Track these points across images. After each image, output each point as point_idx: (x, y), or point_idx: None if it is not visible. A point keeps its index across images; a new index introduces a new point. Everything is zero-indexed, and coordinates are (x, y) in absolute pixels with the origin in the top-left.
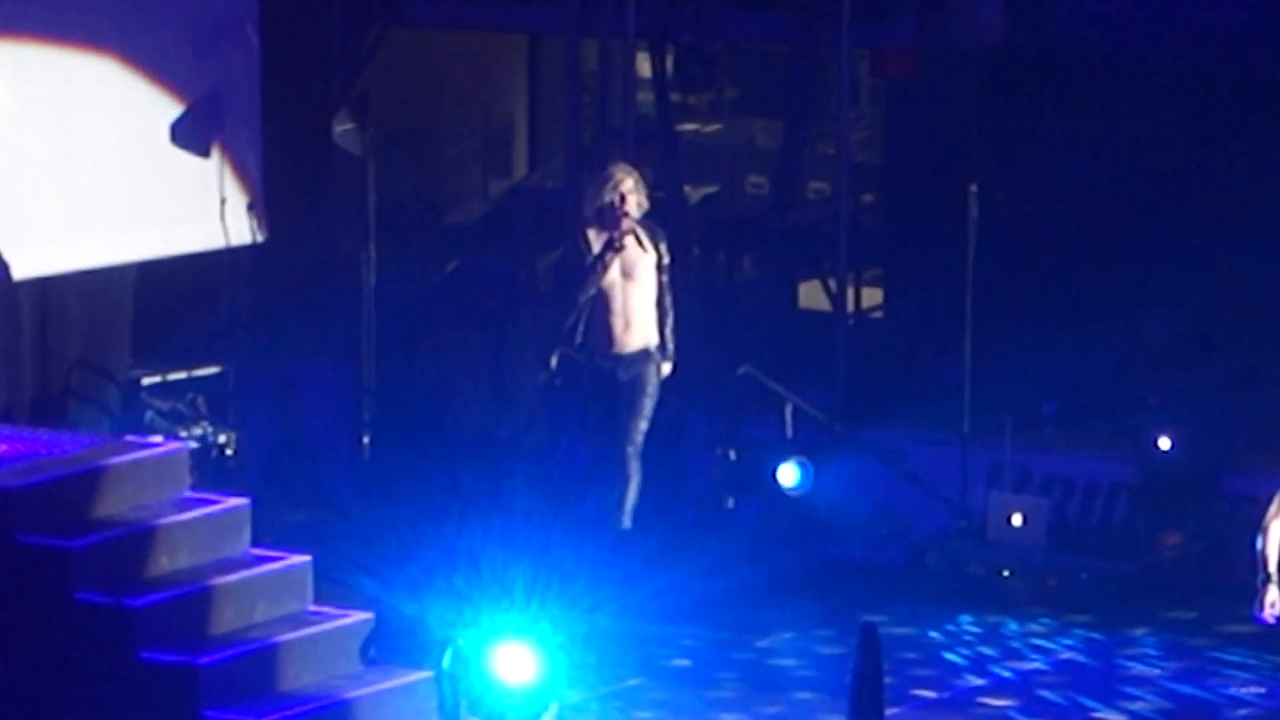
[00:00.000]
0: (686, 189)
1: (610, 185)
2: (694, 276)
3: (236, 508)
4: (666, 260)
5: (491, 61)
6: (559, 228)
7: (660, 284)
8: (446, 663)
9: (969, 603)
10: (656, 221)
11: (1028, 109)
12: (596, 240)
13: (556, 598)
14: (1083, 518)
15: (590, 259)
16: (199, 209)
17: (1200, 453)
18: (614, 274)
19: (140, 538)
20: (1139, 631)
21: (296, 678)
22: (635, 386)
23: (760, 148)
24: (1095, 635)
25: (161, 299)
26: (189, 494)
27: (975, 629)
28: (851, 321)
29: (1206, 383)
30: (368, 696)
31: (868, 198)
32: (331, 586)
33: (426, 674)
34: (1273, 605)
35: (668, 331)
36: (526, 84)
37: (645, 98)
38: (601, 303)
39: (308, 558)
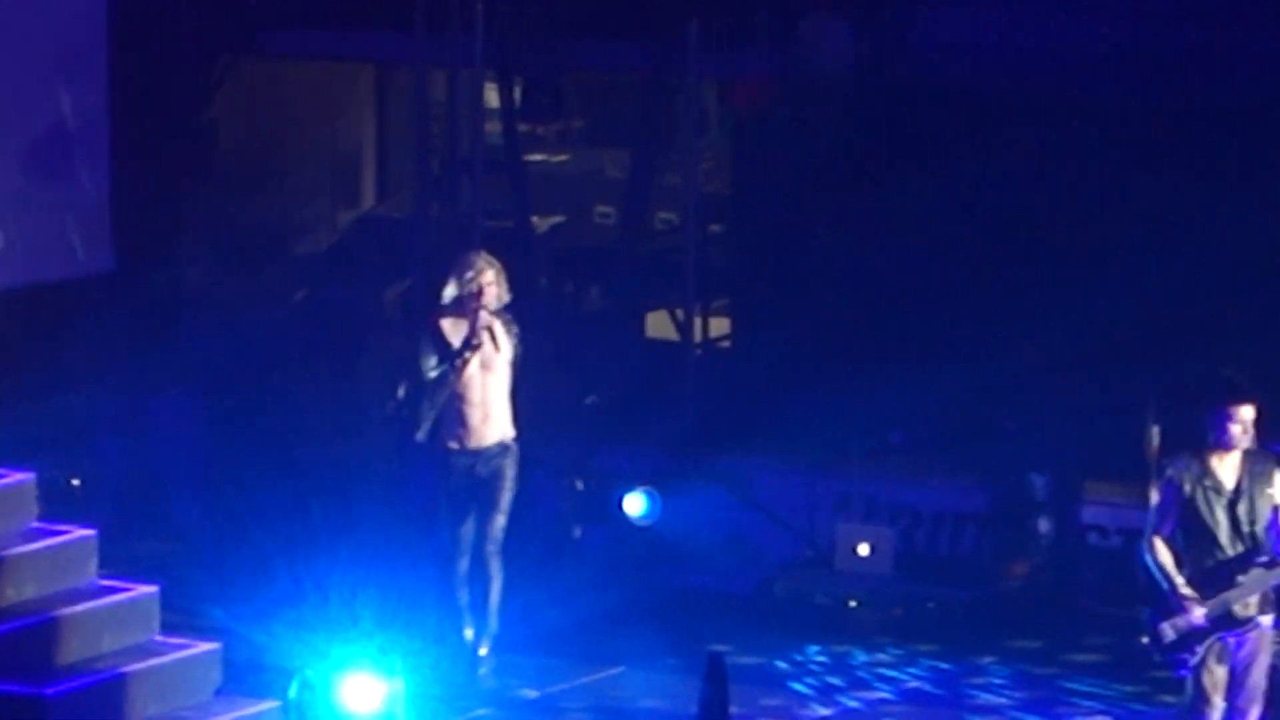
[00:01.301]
0: (534, 219)
1: (470, 277)
2: (541, 307)
3: (83, 538)
4: (517, 354)
5: (340, 91)
6: (407, 257)
7: (514, 370)
8: (294, 693)
9: (816, 632)
10: (504, 254)
11: (878, 137)
12: (452, 331)
13: (404, 628)
14: (930, 547)
15: (449, 356)
16: (48, 239)
17: (1045, 482)
18: (472, 367)
19: None
20: (986, 660)
21: (144, 708)
22: (495, 482)
23: (608, 178)
24: (943, 664)
25: (10, 329)
26: (35, 524)
27: (822, 659)
28: (699, 351)
29: (1051, 412)
30: None
31: (715, 228)
32: (179, 617)
33: (274, 704)
34: (1190, 601)
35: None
36: (375, 114)
37: (493, 128)
38: (459, 396)
39: (155, 588)
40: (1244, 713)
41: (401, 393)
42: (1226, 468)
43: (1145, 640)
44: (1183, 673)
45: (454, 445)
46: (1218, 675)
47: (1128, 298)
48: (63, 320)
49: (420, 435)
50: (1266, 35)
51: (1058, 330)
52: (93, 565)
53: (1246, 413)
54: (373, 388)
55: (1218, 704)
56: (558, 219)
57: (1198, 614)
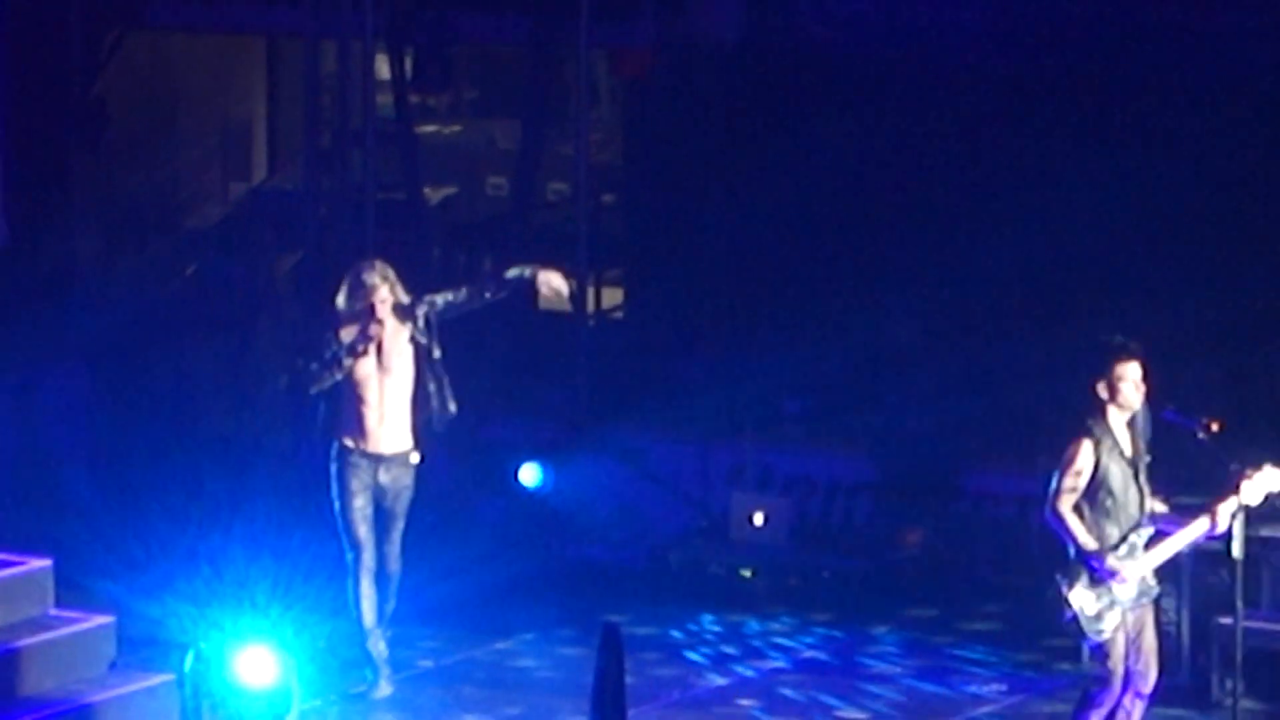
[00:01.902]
0: (426, 190)
1: (363, 294)
2: (434, 278)
3: None
4: (423, 334)
5: (230, 64)
6: (299, 230)
7: (419, 365)
8: (188, 666)
9: (711, 602)
10: (395, 225)
11: (767, 108)
12: (347, 338)
13: (298, 601)
14: (824, 516)
15: (330, 353)
16: None
17: (939, 451)
18: (368, 368)
19: None
20: (880, 630)
21: (38, 682)
22: (395, 495)
23: (500, 149)
24: (837, 633)
25: None
26: None
27: (717, 628)
28: (592, 322)
29: (943, 382)
30: (110, 700)
31: (608, 198)
32: (73, 591)
33: (169, 677)
34: (1120, 570)
35: (448, 402)
36: (265, 86)
37: (384, 99)
38: (355, 397)
39: (48, 562)
40: (1144, 676)
41: (283, 383)
42: (1125, 434)
43: (1068, 613)
44: (1095, 646)
45: (349, 443)
46: (1120, 642)
47: (1014, 266)
48: None
49: (333, 445)
50: (1146, 6)
51: (952, 299)
52: None
53: (1139, 371)
54: (265, 360)
55: (1119, 674)
56: (449, 190)
57: (1122, 582)
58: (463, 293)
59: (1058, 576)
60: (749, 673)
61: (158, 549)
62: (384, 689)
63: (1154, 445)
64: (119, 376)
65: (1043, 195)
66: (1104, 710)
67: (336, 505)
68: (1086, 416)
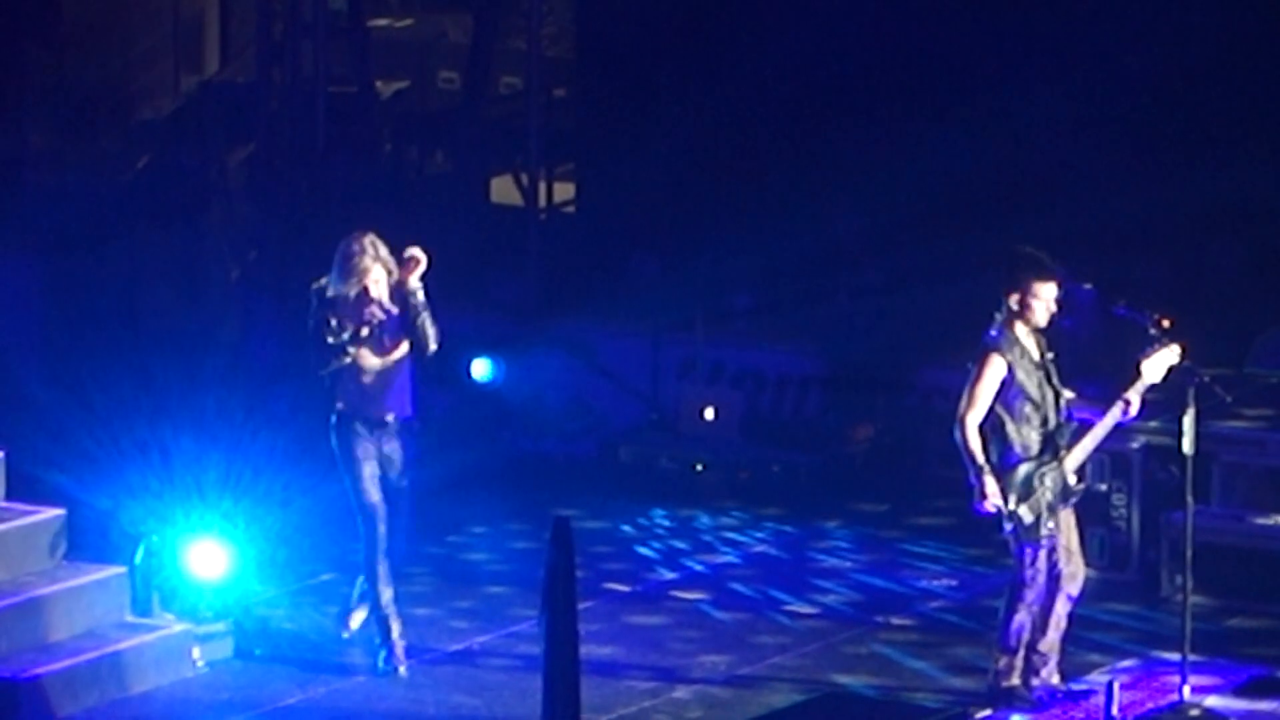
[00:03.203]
0: (378, 84)
1: (355, 279)
2: (385, 172)
3: None
4: (413, 285)
5: None
6: (250, 123)
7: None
8: (139, 558)
9: (661, 496)
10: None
11: (719, 1)
12: (345, 319)
13: (248, 494)
14: (774, 411)
15: (335, 341)
16: None
17: (889, 346)
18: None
19: None
20: (830, 524)
21: None
22: (400, 466)
23: (451, 42)
24: (787, 528)
25: None
26: None
27: (667, 522)
28: (544, 216)
29: (895, 276)
30: (61, 591)
31: (559, 92)
32: (23, 483)
33: (120, 569)
34: (993, 494)
35: (430, 340)
36: None
37: None
38: (355, 367)
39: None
40: (1074, 578)
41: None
42: (1031, 340)
43: (1009, 527)
44: (1034, 549)
45: (349, 412)
46: (1051, 546)
47: (964, 161)
48: None
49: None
50: None
51: (903, 195)
52: None
53: (1054, 291)
54: (215, 253)
55: (1043, 573)
56: (401, 84)
57: (988, 505)
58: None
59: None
60: (699, 567)
61: (108, 441)
62: (401, 670)
63: (1106, 341)
64: (69, 268)
65: (992, 91)
66: (1035, 608)
67: (346, 476)
68: (994, 327)
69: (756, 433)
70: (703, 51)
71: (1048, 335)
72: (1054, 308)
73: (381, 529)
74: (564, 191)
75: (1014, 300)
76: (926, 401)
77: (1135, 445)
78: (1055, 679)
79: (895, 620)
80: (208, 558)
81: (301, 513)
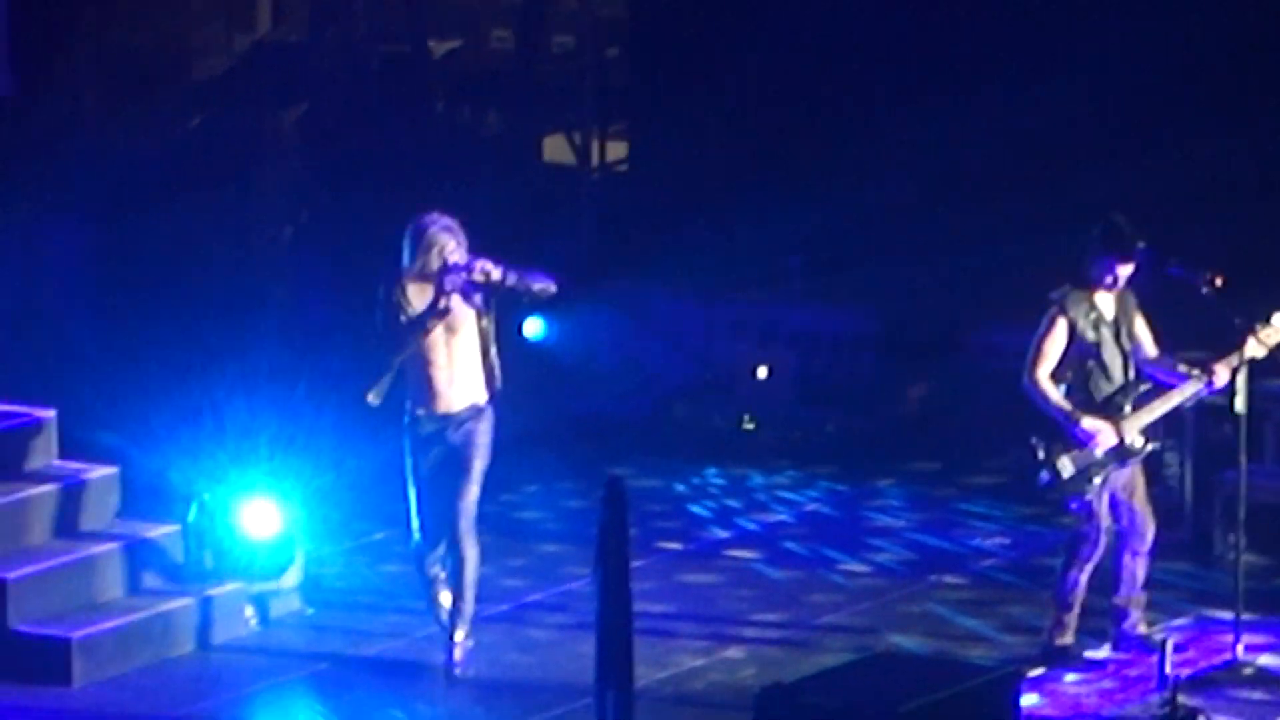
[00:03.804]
0: (430, 43)
1: (435, 252)
2: (438, 132)
3: None
4: (488, 309)
5: None
6: (303, 82)
7: (481, 331)
8: (192, 517)
9: (714, 455)
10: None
11: None
12: (417, 297)
13: (300, 452)
14: (828, 370)
15: (408, 319)
16: None
17: (943, 306)
18: (437, 330)
19: None
20: (884, 483)
21: (43, 532)
22: (467, 447)
23: (504, 1)
24: (840, 487)
25: None
26: None
27: (720, 481)
28: (596, 175)
29: (948, 237)
30: (114, 550)
31: (613, 51)
32: (76, 443)
33: (173, 528)
34: (1099, 428)
35: (495, 370)
36: None
37: None
38: (424, 360)
39: (52, 412)
40: (1141, 534)
41: (375, 395)
42: (1105, 300)
43: (1044, 476)
44: (1078, 506)
45: (420, 412)
46: (1103, 502)
47: (1020, 122)
48: None
49: (372, 399)
50: None
51: (955, 156)
52: None
53: (1129, 267)
54: (268, 212)
55: (1106, 529)
56: (454, 43)
57: (1103, 441)
58: (501, 277)
59: (1033, 440)
60: (752, 526)
61: (161, 401)
62: (459, 651)
63: (1158, 300)
64: (122, 228)
65: (1047, 51)
66: (1090, 566)
67: (408, 476)
68: (1067, 283)
69: (810, 392)
70: (756, 9)
71: (1139, 296)
72: (1123, 283)
73: (431, 533)
74: (617, 151)
75: (1094, 267)
76: (979, 361)
77: (1188, 404)
78: (1141, 628)
79: (948, 579)
80: (260, 516)
81: (354, 471)
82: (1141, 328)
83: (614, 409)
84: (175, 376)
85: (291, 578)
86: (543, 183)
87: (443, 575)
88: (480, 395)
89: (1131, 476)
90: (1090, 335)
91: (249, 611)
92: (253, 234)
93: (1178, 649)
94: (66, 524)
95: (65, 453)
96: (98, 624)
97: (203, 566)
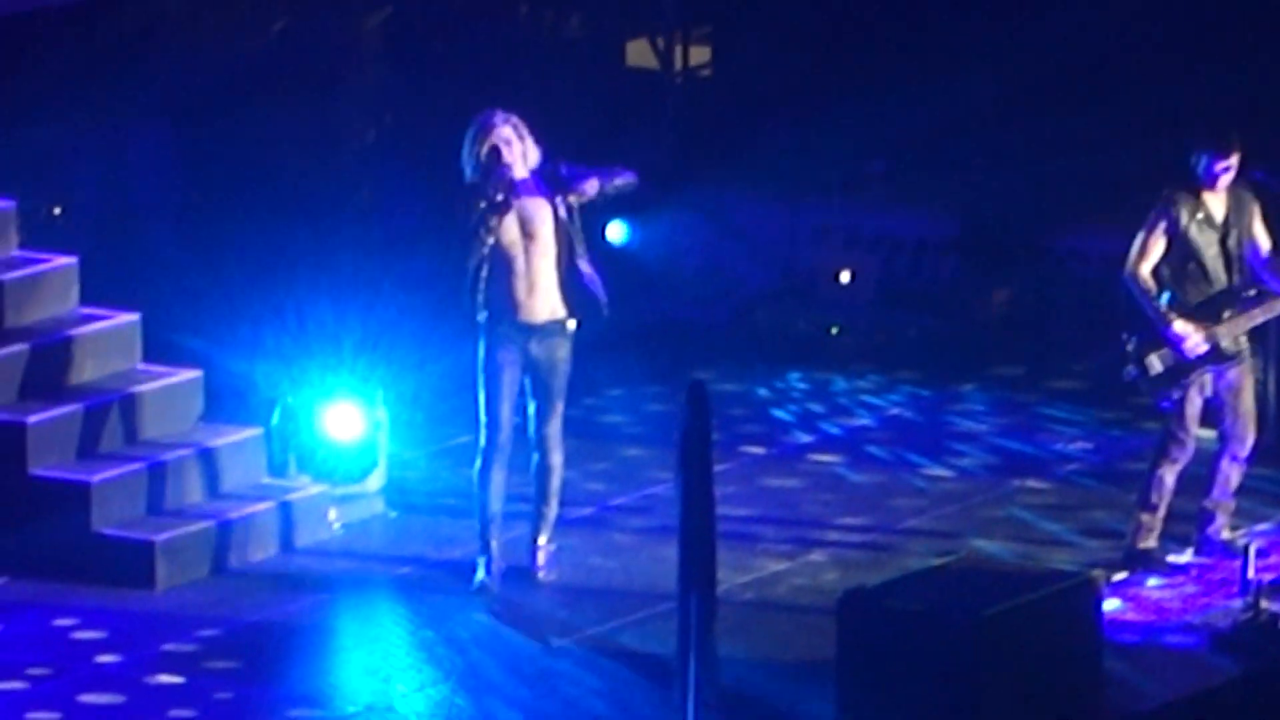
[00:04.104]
0: None
1: (485, 138)
2: (521, 36)
3: (65, 266)
4: (565, 211)
5: None
6: None
7: (559, 228)
8: (275, 420)
9: (797, 359)
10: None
11: None
12: (482, 201)
13: (384, 355)
14: (911, 275)
15: (473, 220)
16: None
17: (1027, 210)
18: (513, 234)
19: None
20: (966, 388)
21: (127, 435)
22: (551, 367)
23: None
24: (923, 392)
25: None
26: (17, 252)
27: (803, 385)
28: (679, 80)
29: (1032, 141)
30: (197, 454)
31: None
32: (160, 346)
33: (256, 431)
34: (1189, 331)
35: (586, 270)
36: None
37: None
38: (502, 266)
39: (136, 316)
40: (1242, 440)
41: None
42: (1215, 201)
43: (1131, 370)
44: (1166, 405)
45: (497, 315)
46: (1198, 407)
47: (1107, 27)
48: (40, 48)
49: (481, 317)
50: None
51: (1039, 59)
52: (74, 293)
53: (1232, 163)
54: (351, 116)
55: (1193, 434)
56: None
57: (1191, 346)
58: (591, 187)
59: (1124, 335)
60: (835, 430)
61: (244, 305)
62: (492, 586)
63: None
64: (206, 134)
65: None
66: (1177, 468)
67: (480, 380)
68: (1177, 182)
69: (892, 297)
70: None
71: (1261, 199)
72: (1232, 175)
73: (502, 440)
74: (700, 55)
75: (1197, 165)
76: (1064, 265)
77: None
78: (1225, 534)
79: (1031, 483)
80: (344, 420)
81: (438, 375)
82: (1259, 231)
83: (697, 314)
84: (259, 280)
85: (374, 481)
86: (626, 87)
87: (500, 515)
88: (560, 308)
89: (1236, 380)
90: (1194, 235)
91: (332, 515)
92: (337, 138)
93: (1260, 554)
94: (151, 427)
95: (149, 356)
96: (181, 527)
97: (286, 470)
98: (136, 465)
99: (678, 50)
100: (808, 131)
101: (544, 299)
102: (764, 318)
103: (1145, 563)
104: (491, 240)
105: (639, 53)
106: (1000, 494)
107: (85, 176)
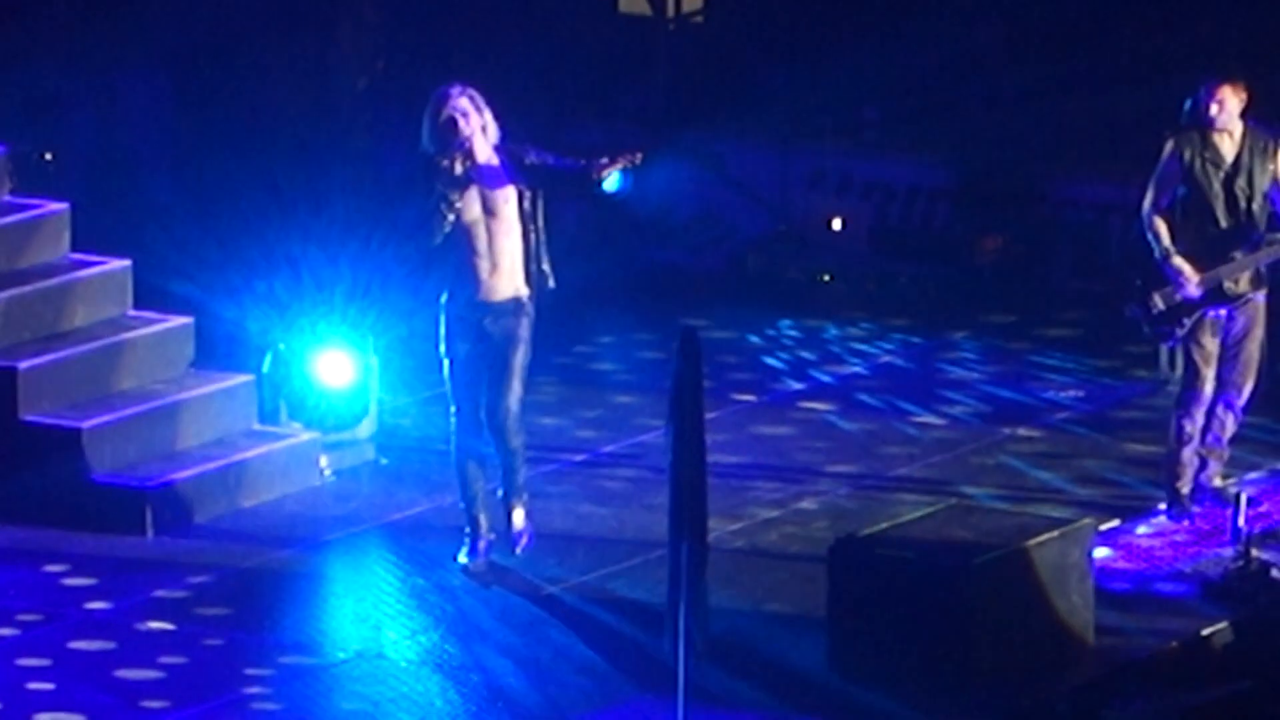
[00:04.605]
0: None
1: (442, 109)
2: None
3: (56, 212)
4: (529, 203)
5: None
6: None
7: (523, 214)
8: (267, 366)
9: (788, 307)
10: None
11: None
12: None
13: (376, 302)
14: (903, 222)
15: (433, 198)
16: None
17: (1020, 157)
18: (475, 211)
19: None
20: (958, 335)
21: (117, 381)
22: (507, 343)
23: None
24: (914, 339)
25: None
26: (8, 198)
27: (794, 333)
28: (672, 26)
29: (1026, 88)
30: (189, 399)
31: None
32: (152, 292)
33: (248, 378)
34: (1190, 275)
35: (543, 264)
36: None
37: None
38: (464, 244)
39: (127, 262)
40: (1239, 387)
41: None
42: (1226, 142)
43: (1133, 308)
44: (1170, 344)
45: (458, 298)
46: (1209, 349)
47: None
48: None
49: (442, 298)
50: None
51: (1031, 3)
52: (65, 239)
53: (1223, 97)
54: (344, 63)
55: (1208, 377)
56: None
57: (1191, 286)
58: (547, 161)
59: (1137, 274)
60: (826, 378)
61: (236, 251)
62: (478, 568)
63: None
64: (198, 79)
65: None
66: (1198, 412)
67: (443, 359)
68: (1180, 121)
69: (885, 243)
70: None
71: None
72: (1228, 110)
73: (472, 425)
74: (692, 2)
75: (1199, 98)
76: (1057, 212)
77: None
78: (1217, 481)
79: (1022, 431)
80: (335, 366)
81: (429, 321)
82: (1272, 172)
83: (689, 260)
84: (251, 227)
85: (366, 428)
86: (619, 33)
87: (483, 490)
88: (523, 287)
89: (1244, 326)
90: (1198, 173)
91: (323, 461)
92: (330, 85)
93: (1252, 502)
94: (142, 374)
95: (140, 303)
96: (173, 473)
97: (277, 417)
98: (128, 412)
99: None
100: (801, 77)
101: (506, 278)
102: (756, 265)
103: (1175, 501)
104: (453, 217)
105: None
106: (991, 442)
107: (78, 122)
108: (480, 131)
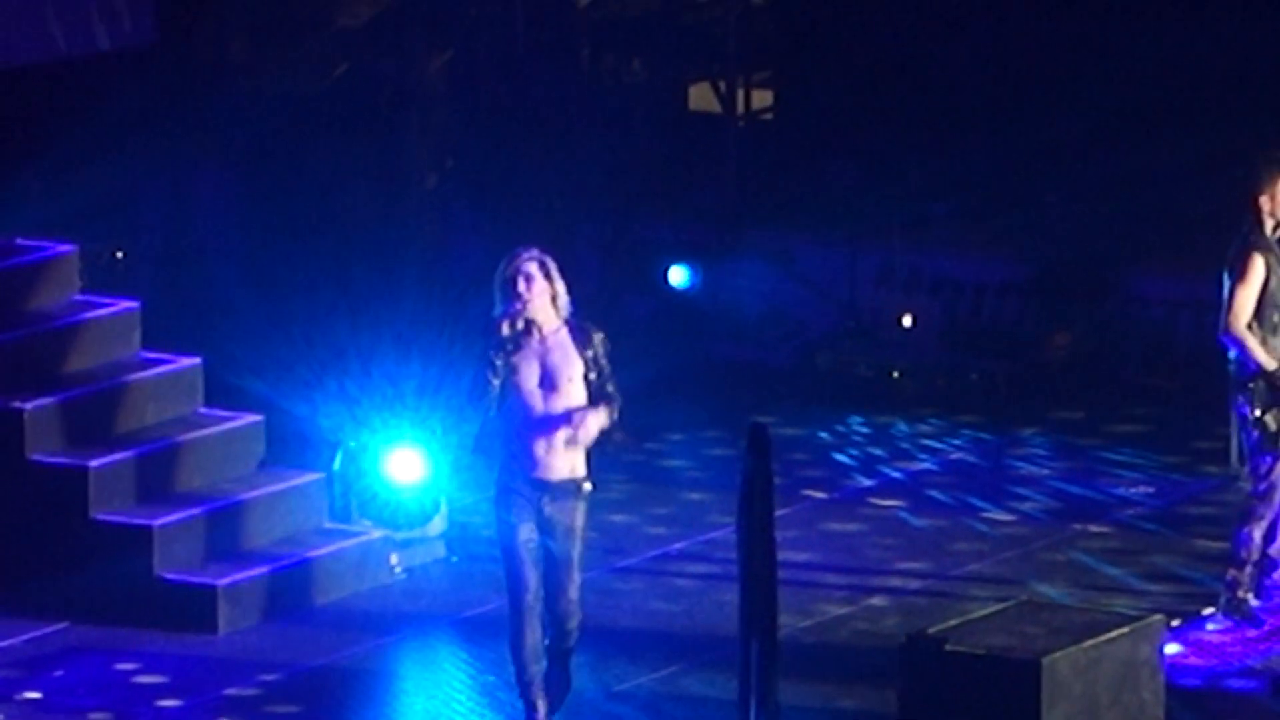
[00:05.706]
0: None
1: (508, 267)
2: (583, 80)
3: (127, 310)
4: (599, 366)
5: None
6: (449, 29)
7: (590, 386)
8: (338, 464)
9: (858, 403)
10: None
11: None
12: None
13: (447, 399)
14: (972, 318)
15: (489, 360)
16: (92, 9)
17: (1089, 253)
18: (533, 383)
19: (29, 341)
20: (1028, 431)
21: (188, 479)
22: (564, 532)
23: None
24: (984, 435)
25: (53, 99)
26: (79, 296)
27: (865, 429)
28: (741, 123)
29: (1095, 183)
30: (260, 497)
31: None
32: (222, 390)
33: (318, 476)
34: None
35: (615, 430)
36: None
37: None
38: (520, 418)
39: (198, 360)
40: None
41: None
42: None
43: (1254, 435)
44: (1272, 462)
45: (512, 469)
46: None
47: (1170, 65)
48: (105, 91)
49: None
50: None
51: (1102, 100)
52: (136, 337)
53: (1263, 200)
54: (413, 160)
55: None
56: None
57: None
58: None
59: (1240, 397)
60: (896, 474)
61: (307, 348)
62: None
63: None
64: (268, 176)
65: None
66: (1264, 523)
67: (499, 539)
68: (1249, 231)
69: (954, 340)
70: None
71: None
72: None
73: (530, 599)
74: (762, 99)
75: (1264, 200)
76: (1125, 308)
77: None
78: None
79: (1093, 527)
80: (406, 464)
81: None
82: None
83: (758, 357)
84: (320, 324)
85: (436, 526)
86: (688, 131)
87: (539, 675)
88: (579, 467)
89: None
90: (1275, 283)
91: (394, 559)
92: (398, 182)
93: None
94: (212, 472)
95: (211, 400)
96: (243, 571)
97: (348, 515)
98: (198, 509)
99: (740, 93)
100: (869, 174)
101: (563, 457)
102: (825, 361)
103: (1238, 611)
104: (498, 382)
105: (701, 96)
106: (1061, 538)
107: (148, 220)
108: (550, 301)
